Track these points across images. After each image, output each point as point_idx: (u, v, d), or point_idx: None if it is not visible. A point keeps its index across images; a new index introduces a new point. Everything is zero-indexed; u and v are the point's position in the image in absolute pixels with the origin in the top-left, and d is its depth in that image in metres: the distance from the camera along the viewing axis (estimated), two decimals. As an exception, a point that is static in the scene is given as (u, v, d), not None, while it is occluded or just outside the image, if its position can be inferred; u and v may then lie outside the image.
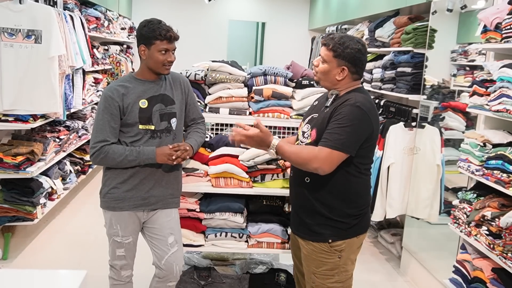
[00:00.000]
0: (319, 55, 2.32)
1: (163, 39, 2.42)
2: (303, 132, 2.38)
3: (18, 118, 3.79)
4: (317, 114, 2.34)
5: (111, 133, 2.45)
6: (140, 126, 2.50)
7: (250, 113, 3.07)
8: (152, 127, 2.52)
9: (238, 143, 2.39)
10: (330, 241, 2.30)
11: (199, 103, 3.01)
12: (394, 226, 4.64)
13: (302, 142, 2.35)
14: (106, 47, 6.61)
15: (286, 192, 2.93)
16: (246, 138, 2.28)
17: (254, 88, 3.05)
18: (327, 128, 2.19)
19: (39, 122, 3.93)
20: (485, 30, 2.86)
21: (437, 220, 3.79)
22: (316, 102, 2.48)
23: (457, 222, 2.97)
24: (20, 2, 3.65)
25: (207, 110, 3.05)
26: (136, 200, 2.55)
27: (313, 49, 8.19)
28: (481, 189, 2.88)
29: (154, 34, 2.41)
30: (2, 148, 3.78)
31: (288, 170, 2.88)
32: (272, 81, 3.06)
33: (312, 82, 3.05)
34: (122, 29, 7.45)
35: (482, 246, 2.69)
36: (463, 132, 3.49)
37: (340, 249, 2.31)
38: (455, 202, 3.04)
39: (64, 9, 4.59)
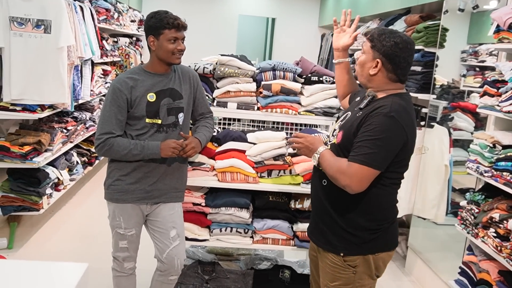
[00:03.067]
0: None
1: (171, 27, 2.41)
2: (334, 130, 2.23)
3: (26, 108, 3.80)
4: (350, 113, 2.16)
5: (117, 125, 2.44)
6: (147, 120, 2.48)
7: (258, 108, 3.06)
8: (159, 121, 2.50)
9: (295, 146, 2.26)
10: (342, 254, 2.13)
11: (207, 97, 2.99)
12: (400, 225, 4.59)
13: (330, 141, 2.22)
14: (115, 39, 6.61)
15: (292, 189, 2.92)
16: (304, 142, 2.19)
17: (262, 83, 3.03)
18: (356, 139, 2.00)
19: (46, 113, 3.94)
20: (498, 30, 2.83)
21: (443, 221, 3.76)
22: (358, 98, 2.26)
23: (464, 223, 2.95)
24: (30, -8, 3.65)
25: (215, 104, 3.04)
26: (140, 193, 2.54)
27: (323, 46, 8.15)
28: (489, 191, 2.85)
29: (162, 24, 2.40)
30: (9, 137, 3.80)
31: (295, 167, 2.87)
32: (281, 76, 3.04)
33: (321, 79, 3.02)
34: (132, 21, 7.45)
35: (489, 248, 2.66)
36: (471, 133, 3.46)
37: (354, 265, 2.12)
38: (463, 203, 3.01)
39: (74, 0, 4.60)
